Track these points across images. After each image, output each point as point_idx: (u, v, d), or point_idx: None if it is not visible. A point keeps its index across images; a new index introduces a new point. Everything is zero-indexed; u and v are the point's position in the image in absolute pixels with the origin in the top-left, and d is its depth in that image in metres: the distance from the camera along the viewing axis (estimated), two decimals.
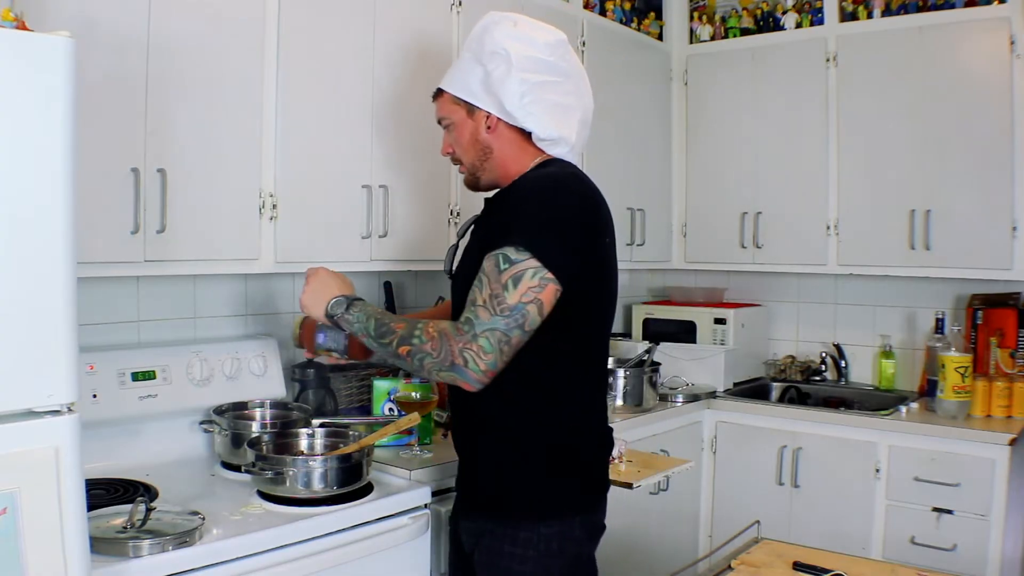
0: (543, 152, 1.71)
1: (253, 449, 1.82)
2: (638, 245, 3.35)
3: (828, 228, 3.23)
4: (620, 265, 3.47)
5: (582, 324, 1.64)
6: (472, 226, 1.81)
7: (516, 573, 1.61)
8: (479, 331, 1.47)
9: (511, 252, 1.49)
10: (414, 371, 1.58)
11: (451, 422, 1.81)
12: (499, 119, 1.68)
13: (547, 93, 1.66)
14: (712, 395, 3.22)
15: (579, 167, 1.77)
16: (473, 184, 1.79)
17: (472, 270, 1.58)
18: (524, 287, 1.47)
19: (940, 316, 3.13)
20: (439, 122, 1.78)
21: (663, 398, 3.09)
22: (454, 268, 1.78)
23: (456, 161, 1.79)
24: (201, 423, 2.14)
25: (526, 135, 1.69)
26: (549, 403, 1.63)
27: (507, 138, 1.70)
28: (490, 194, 1.79)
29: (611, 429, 1.80)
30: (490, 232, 1.60)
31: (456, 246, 1.82)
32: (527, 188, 1.63)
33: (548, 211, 1.54)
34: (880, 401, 3.22)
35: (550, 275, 1.48)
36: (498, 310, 1.47)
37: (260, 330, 2.42)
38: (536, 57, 1.65)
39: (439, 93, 1.77)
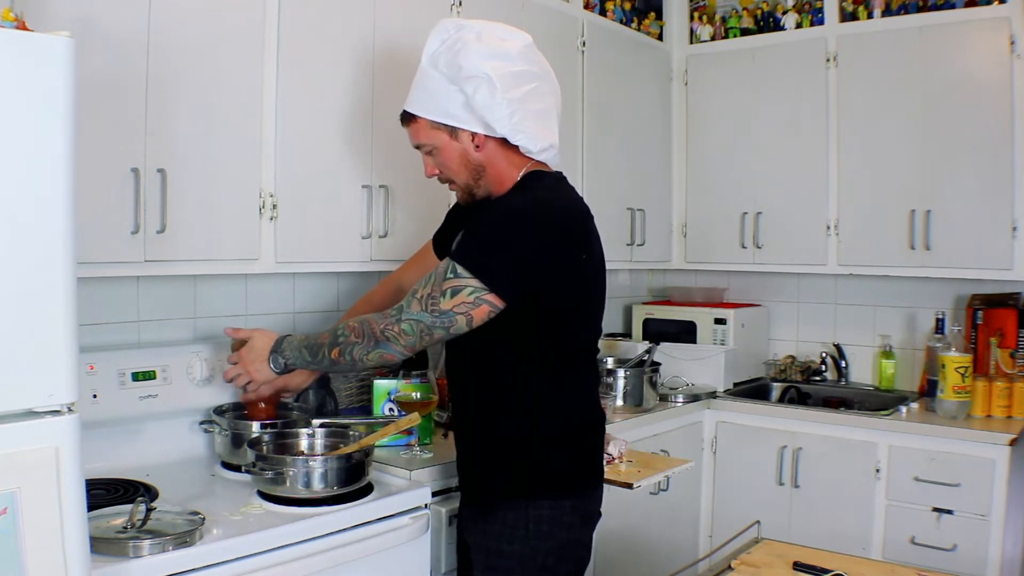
0: (529, 159, 1.74)
1: (253, 449, 1.82)
2: (638, 245, 3.35)
3: (828, 228, 3.23)
4: (620, 265, 3.50)
5: (574, 333, 1.73)
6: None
7: (505, 554, 1.66)
8: (404, 317, 1.62)
9: (461, 270, 1.58)
10: (351, 367, 1.73)
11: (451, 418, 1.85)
12: (486, 136, 1.69)
13: (530, 104, 1.68)
14: (712, 395, 3.22)
15: (561, 170, 1.82)
16: (469, 200, 1.81)
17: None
18: (459, 299, 1.58)
19: (940, 316, 3.13)
20: (417, 147, 1.78)
21: (663, 398, 3.09)
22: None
23: (445, 181, 1.80)
24: (201, 423, 2.14)
25: (514, 146, 1.71)
26: (539, 400, 1.69)
27: (498, 153, 1.72)
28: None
29: (603, 416, 1.84)
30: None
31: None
32: (496, 212, 1.66)
33: (501, 243, 1.60)
34: (880, 401, 3.22)
35: (488, 297, 1.58)
36: (429, 308, 1.60)
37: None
38: (514, 71, 1.66)
39: (411, 118, 1.75)
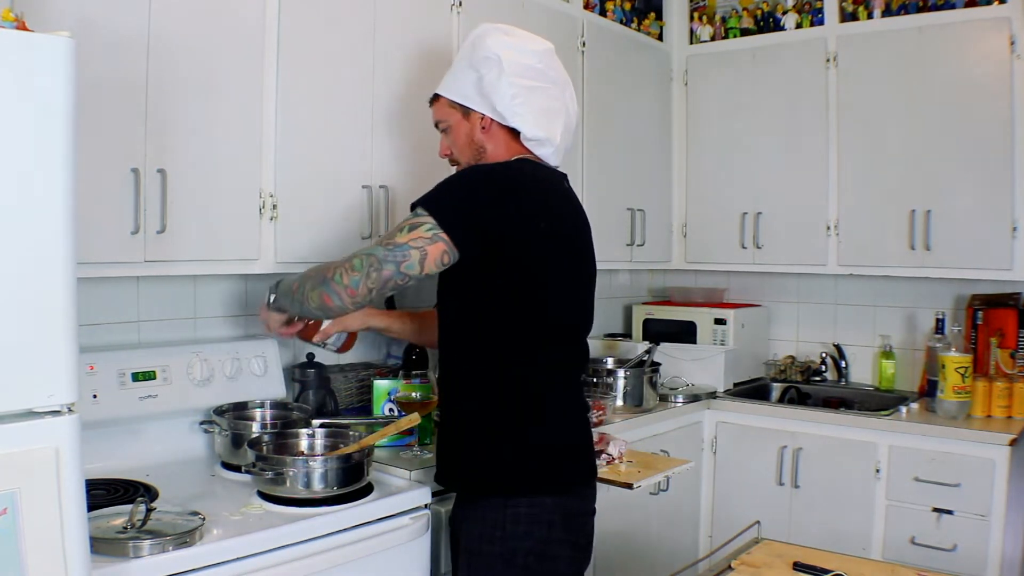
0: (527, 151, 1.80)
1: (253, 449, 1.82)
2: (638, 245, 3.35)
3: (828, 228, 3.23)
4: (620, 265, 3.50)
5: (545, 321, 1.71)
6: None
7: (485, 554, 1.66)
8: (357, 253, 1.64)
9: (420, 210, 1.63)
10: (300, 305, 1.74)
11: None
12: (492, 120, 1.78)
13: (535, 97, 1.76)
14: (712, 395, 3.22)
15: (561, 169, 1.86)
16: None
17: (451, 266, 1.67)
18: (416, 234, 1.60)
19: (940, 316, 3.12)
20: (436, 126, 1.88)
21: (663, 398, 3.09)
22: None
23: (454, 163, 1.88)
24: (201, 423, 2.14)
25: (516, 135, 1.79)
26: (515, 396, 1.69)
27: (499, 138, 1.79)
28: None
29: (586, 415, 1.84)
30: None
31: None
32: (464, 170, 1.78)
33: (461, 188, 1.68)
34: (880, 401, 3.22)
35: (444, 235, 1.60)
36: (384, 243, 1.63)
37: (260, 330, 2.41)
38: (526, 64, 1.76)
39: (436, 98, 1.87)
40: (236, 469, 1.98)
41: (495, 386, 1.69)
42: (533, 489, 1.67)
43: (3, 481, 1.14)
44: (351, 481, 1.82)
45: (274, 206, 2.08)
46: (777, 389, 3.51)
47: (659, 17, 3.56)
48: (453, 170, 1.90)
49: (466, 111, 1.80)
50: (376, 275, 1.60)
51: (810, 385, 3.48)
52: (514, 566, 1.65)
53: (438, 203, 1.62)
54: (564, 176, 1.85)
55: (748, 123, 3.42)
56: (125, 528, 1.50)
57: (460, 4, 2.52)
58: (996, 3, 2.90)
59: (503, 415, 1.69)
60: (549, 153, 1.81)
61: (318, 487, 1.77)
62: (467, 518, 1.72)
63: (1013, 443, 2.63)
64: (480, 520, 1.68)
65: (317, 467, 1.78)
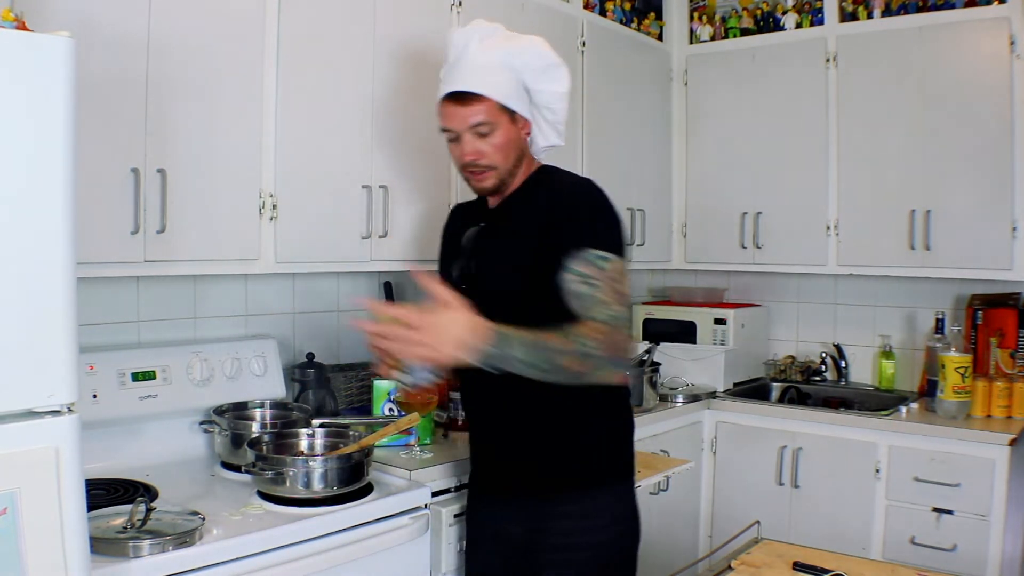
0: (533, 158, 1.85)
1: (253, 449, 1.82)
2: (638, 245, 3.34)
3: (828, 228, 3.23)
4: None
5: None
6: (477, 235, 1.83)
7: (586, 546, 1.72)
8: (621, 318, 1.58)
9: (602, 252, 1.59)
10: (578, 377, 1.51)
11: (486, 419, 1.84)
12: (531, 126, 1.79)
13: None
14: (712, 395, 3.22)
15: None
16: (497, 188, 1.77)
17: (508, 281, 1.70)
18: (626, 280, 1.63)
19: (940, 316, 3.12)
20: (476, 126, 1.69)
21: (663, 398, 3.09)
22: (462, 274, 1.82)
23: (483, 168, 1.73)
24: (201, 423, 2.14)
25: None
26: (605, 387, 1.69)
27: (526, 143, 1.81)
28: (490, 202, 1.84)
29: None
30: (524, 238, 1.69)
31: (464, 255, 1.85)
32: (583, 195, 1.71)
33: (616, 219, 1.69)
34: (880, 401, 3.22)
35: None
36: (623, 301, 1.60)
37: (260, 330, 2.42)
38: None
39: (474, 98, 1.69)
40: (236, 469, 1.98)
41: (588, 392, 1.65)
42: (630, 476, 1.82)
43: (3, 481, 1.14)
44: (351, 481, 1.82)
45: (274, 206, 2.08)
46: (777, 389, 3.51)
47: (659, 17, 3.56)
48: (453, 171, 1.88)
49: (512, 115, 1.72)
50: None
51: (810, 385, 3.48)
52: (615, 550, 1.75)
53: (618, 244, 1.65)
54: None
55: (748, 123, 3.42)
56: (125, 528, 1.50)
57: (460, 4, 2.52)
58: (996, 3, 2.90)
59: (601, 411, 1.76)
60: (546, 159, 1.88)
61: (318, 487, 1.77)
62: (559, 516, 1.72)
63: (1013, 443, 2.63)
64: (579, 513, 1.71)
65: (317, 467, 1.78)
